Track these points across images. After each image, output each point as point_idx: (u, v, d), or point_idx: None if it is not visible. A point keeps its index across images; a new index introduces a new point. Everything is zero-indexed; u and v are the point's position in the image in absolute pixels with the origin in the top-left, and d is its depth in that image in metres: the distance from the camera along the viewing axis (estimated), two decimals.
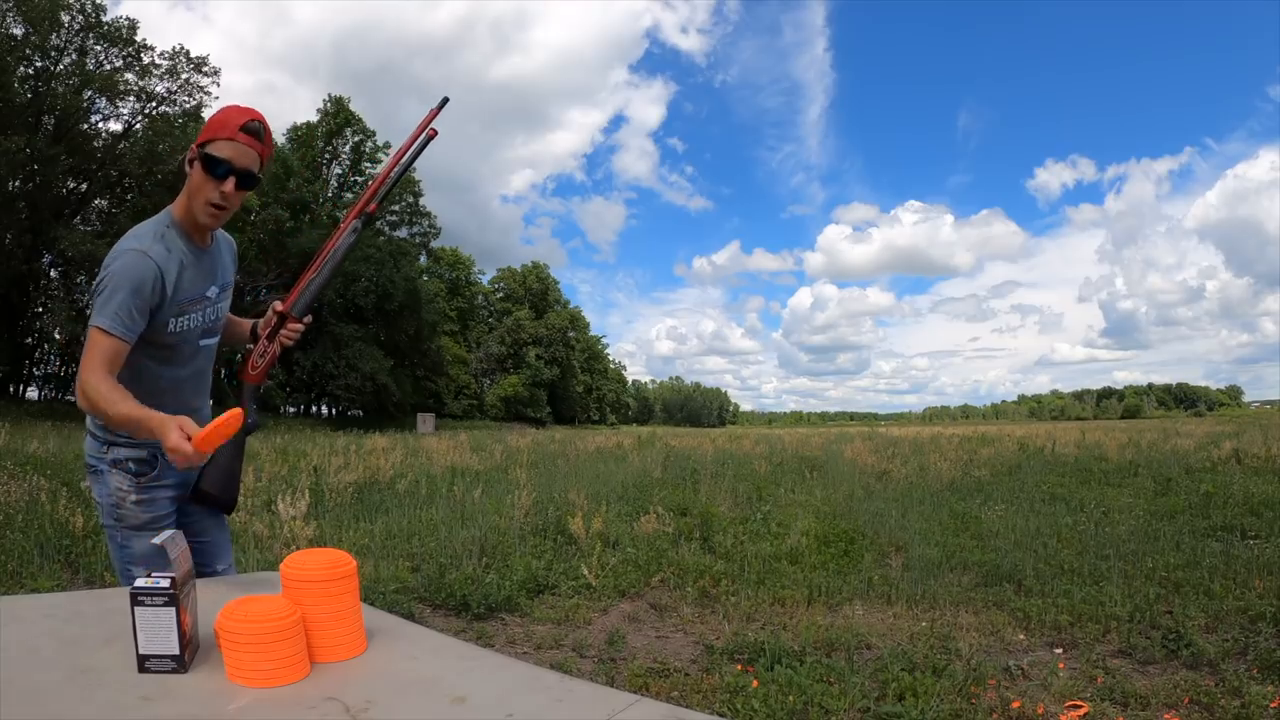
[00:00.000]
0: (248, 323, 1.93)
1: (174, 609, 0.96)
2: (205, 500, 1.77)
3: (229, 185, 1.65)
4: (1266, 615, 3.57)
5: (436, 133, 1.72)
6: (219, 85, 31.03)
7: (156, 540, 1.09)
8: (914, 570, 4.87)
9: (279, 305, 1.77)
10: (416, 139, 1.71)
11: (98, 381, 1.55)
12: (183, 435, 1.41)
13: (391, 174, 1.74)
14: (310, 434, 22.29)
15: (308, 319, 1.79)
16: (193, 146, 1.67)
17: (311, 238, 36.75)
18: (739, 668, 3.13)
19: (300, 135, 42.86)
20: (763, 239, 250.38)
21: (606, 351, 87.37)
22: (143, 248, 1.63)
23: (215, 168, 1.63)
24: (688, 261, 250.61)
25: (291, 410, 42.97)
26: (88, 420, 1.77)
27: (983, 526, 6.30)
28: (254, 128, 1.65)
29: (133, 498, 1.75)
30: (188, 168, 1.68)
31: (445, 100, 1.74)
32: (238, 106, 1.70)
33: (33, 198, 27.89)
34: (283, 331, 1.77)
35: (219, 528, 1.91)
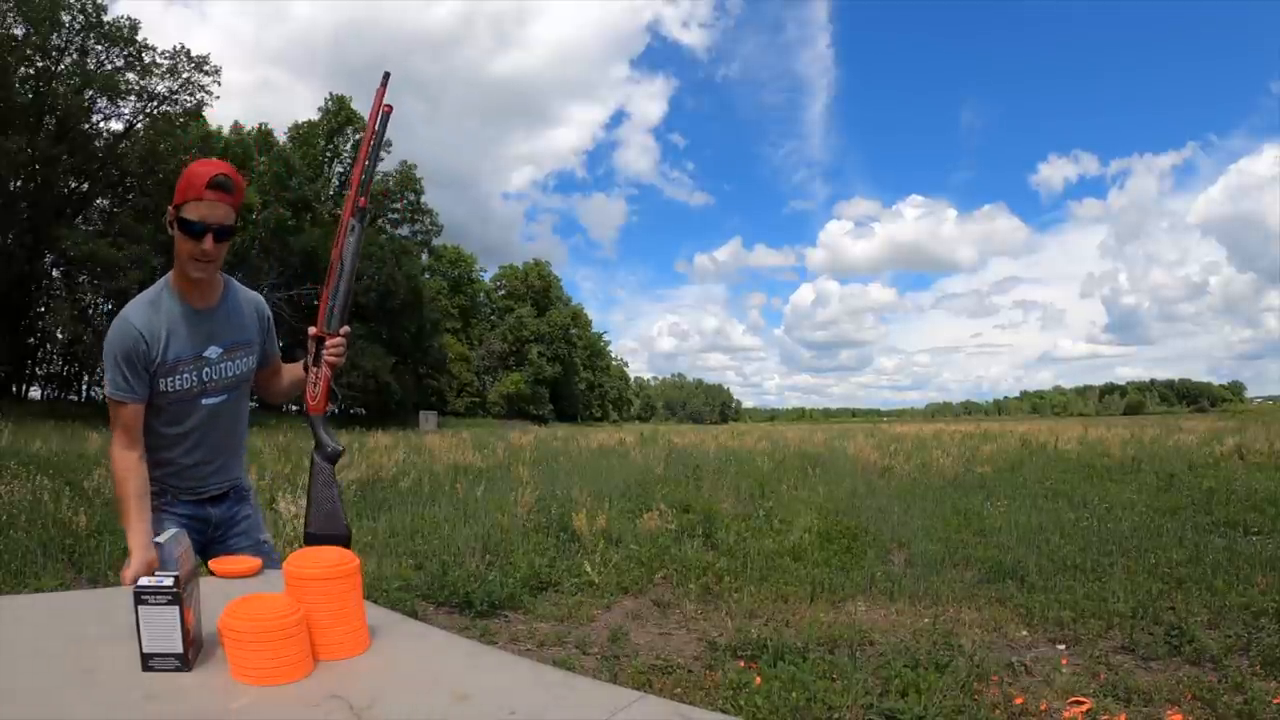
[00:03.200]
0: (298, 366, 1.91)
1: (177, 607, 0.96)
2: (318, 543, 1.74)
3: (208, 243, 1.69)
4: (1269, 611, 3.57)
5: (392, 108, 1.71)
6: (220, 84, 31.01)
7: (160, 539, 1.09)
8: (916, 566, 4.88)
9: (313, 330, 1.76)
10: (376, 120, 1.70)
11: (115, 454, 1.74)
12: (138, 571, 1.57)
13: (366, 163, 1.72)
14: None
15: (344, 330, 1.77)
16: (170, 209, 1.70)
17: (313, 236, 36.78)
18: (742, 664, 3.13)
19: (302, 134, 42.89)
20: (764, 235, 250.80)
21: (608, 348, 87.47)
22: (128, 314, 1.74)
23: (191, 229, 1.68)
24: (689, 258, 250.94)
25: (294, 409, 43.00)
26: None
27: (985, 523, 6.30)
28: (220, 182, 1.68)
29: None
30: (170, 229, 1.72)
31: (387, 75, 1.72)
32: (203, 162, 1.73)
33: (34, 197, 27.91)
34: (325, 352, 1.76)
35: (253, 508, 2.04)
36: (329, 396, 1.77)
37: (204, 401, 1.83)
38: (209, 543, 1.94)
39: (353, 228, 1.71)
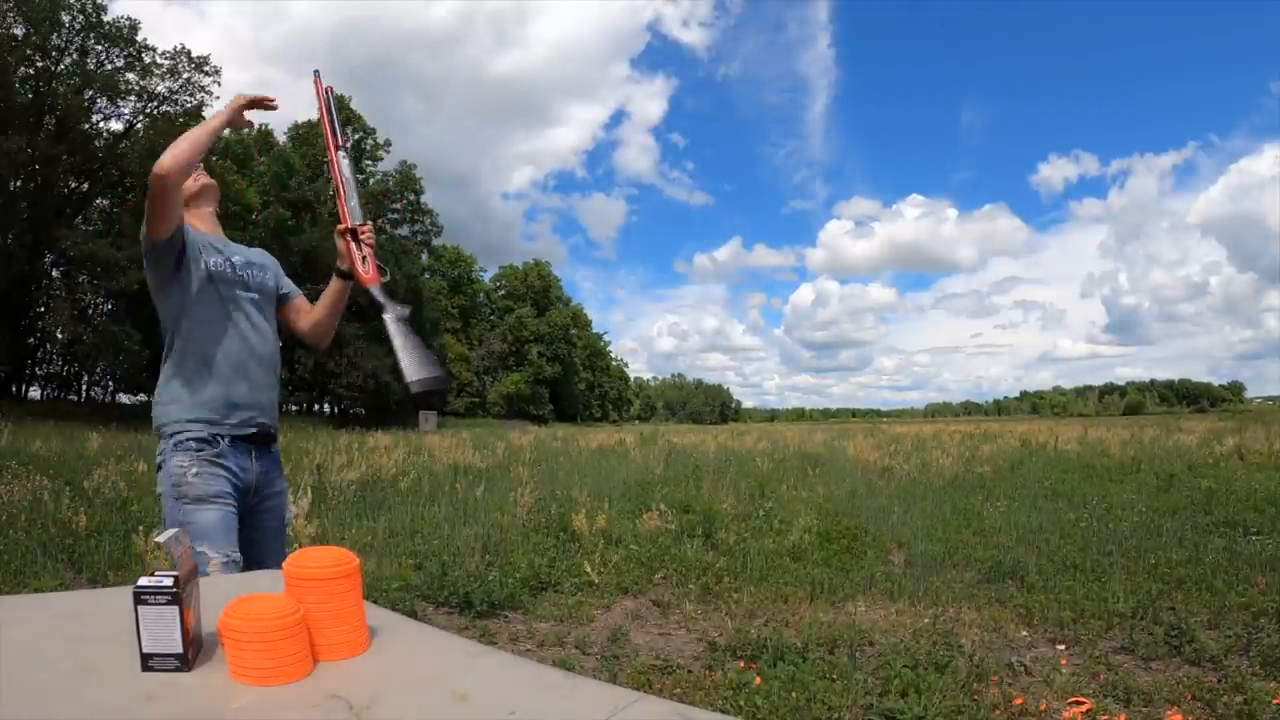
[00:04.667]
0: (329, 282, 2.11)
1: (177, 607, 0.96)
2: (424, 389, 1.89)
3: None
4: (1269, 611, 3.57)
5: (331, 87, 2.06)
6: (220, 85, 31.00)
7: (159, 539, 1.09)
8: (916, 566, 4.87)
9: (340, 228, 2.01)
10: (323, 99, 2.04)
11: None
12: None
13: (332, 123, 2.05)
14: (312, 432, 22.32)
15: (368, 222, 2.02)
16: None
17: (314, 236, 36.78)
18: (741, 664, 3.13)
19: (301, 134, 42.87)
20: (764, 235, 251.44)
21: (608, 349, 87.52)
22: None
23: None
24: (689, 258, 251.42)
25: (294, 409, 43.02)
26: (154, 422, 1.93)
27: (985, 523, 6.30)
28: None
29: (193, 470, 1.84)
30: None
31: (317, 71, 2.07)
32: None
33: (34, 197, 27.93)
34: (361, 237, 2.00)
35: (278, 540, 2.06)
36: (379, 270, 2.00)
37: (244, 294, 1.97)
38: (246, 512, 1.93)
39: (340, 160, 2.02)
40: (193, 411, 1.87)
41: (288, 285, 2.16)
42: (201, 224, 2.01)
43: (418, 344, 1.92)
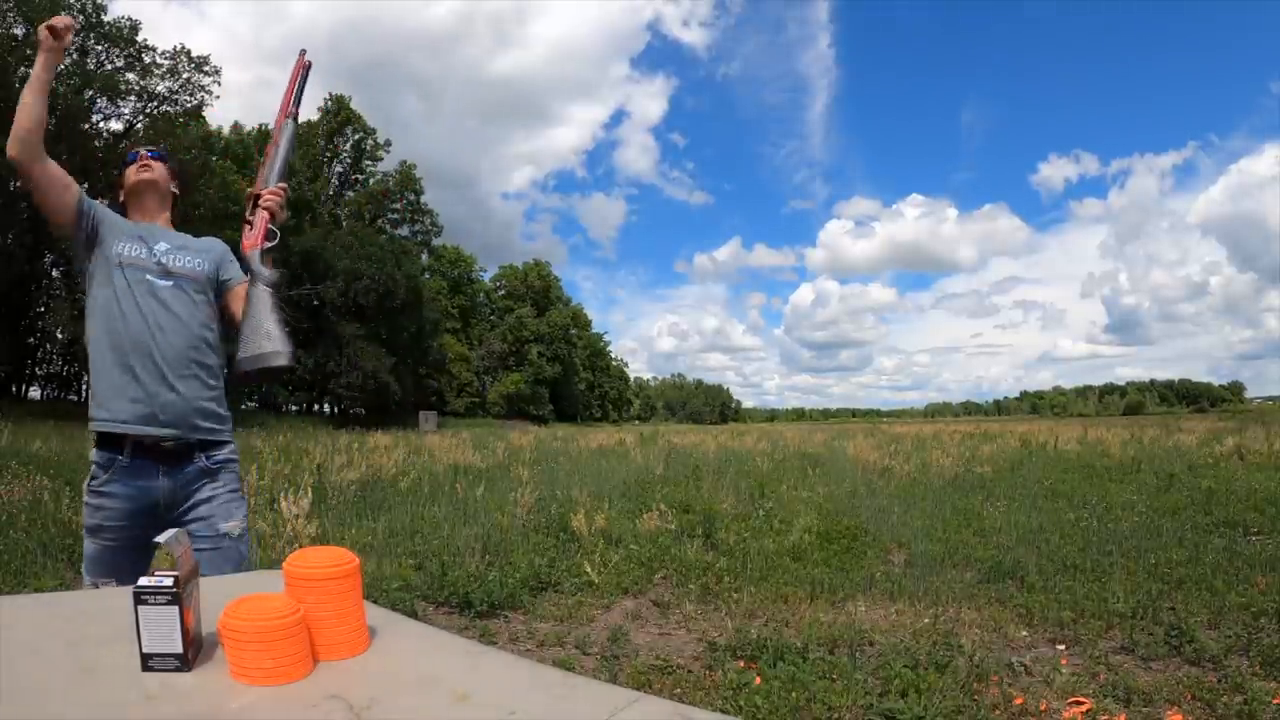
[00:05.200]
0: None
1: (177, 607, 0.96)
2: (254, 367, 1.71)
3: (141, 156, 2.01)
4: (1269, 611, 3.57)
5: (311, 63, 1.99)
6: (220, 85, 31.00)
7: (159, 539, 1.09)
8: (916, 566, 4.88)
9: (249, 192, 1.92)
10: (302, 72, 1.96)
11: None
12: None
13: (296, 92, 1.97)
14: (313, 432, 22.31)
15: (281, 184, 1.91)
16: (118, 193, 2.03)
17: (313, 237, 36.81)
18: (741, 664, 3.13)
19: (301, 134, 42.88)
20: (764, 235, 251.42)
21: (608, 349, 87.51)
22: None
23: (125, 160, 2.02)
24: (689, 258, 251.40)
25: (294, 409, 43.01)
26: None
27: (985, 523, 6.30)
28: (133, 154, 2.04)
29: (86, 497, 1.79)
30: (120, 198, 2.03)
31: (303, 50, 2.01)
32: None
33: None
34: (262, 201, 1.87)
35: (215, 556, 1.79)
36: (266, 236, 1.86)
37: (158, 282, 1.85)
38: (163, 526, 1.81)
39: (285, 127, 1.94)
40: (97, 410, 1.78)
41: (231, 272, 2.01)
42: (141, 216, 1.97)
43: (275, 322, 1.74)
